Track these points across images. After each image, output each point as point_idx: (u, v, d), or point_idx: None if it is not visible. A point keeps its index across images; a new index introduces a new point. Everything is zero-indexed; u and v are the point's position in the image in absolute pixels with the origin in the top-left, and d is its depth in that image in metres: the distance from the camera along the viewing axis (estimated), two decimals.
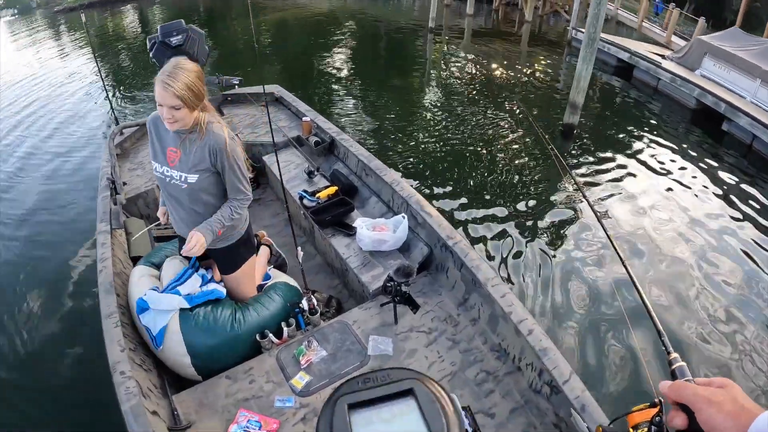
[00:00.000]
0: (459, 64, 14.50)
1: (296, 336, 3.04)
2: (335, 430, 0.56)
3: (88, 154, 9.18)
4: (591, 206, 1.82)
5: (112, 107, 6.24)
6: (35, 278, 5.80)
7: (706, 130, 9.54)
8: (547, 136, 2.24)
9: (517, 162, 7.80)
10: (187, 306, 2.93)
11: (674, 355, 0.94)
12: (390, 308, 3.03)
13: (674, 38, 14.65)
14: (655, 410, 0.95)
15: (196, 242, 2.56)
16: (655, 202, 6.86)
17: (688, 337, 4.54)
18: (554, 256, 5.54)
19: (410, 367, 2.73)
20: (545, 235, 5.97)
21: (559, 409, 2.39)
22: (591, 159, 8.12)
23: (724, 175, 7.87)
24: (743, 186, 7.57)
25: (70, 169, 8.72)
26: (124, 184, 4.69)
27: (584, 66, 8.35)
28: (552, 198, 6.64)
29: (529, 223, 6.18)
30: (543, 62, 14.36)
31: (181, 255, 3.04)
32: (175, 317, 2.89)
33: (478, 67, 13.90)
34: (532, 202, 6.59)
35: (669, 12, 14.59)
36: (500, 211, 6.40)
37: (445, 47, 16.73)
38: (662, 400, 0.90)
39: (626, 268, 1.35)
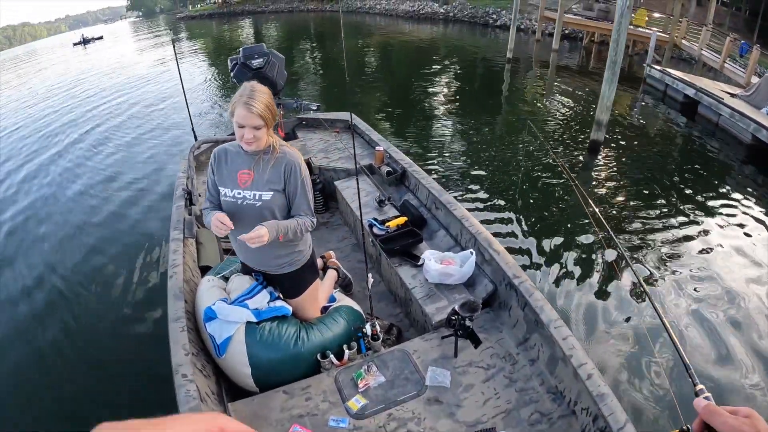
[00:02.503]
0: (536, 98, 14.83)
1: (356, 359, 3.07)
2: None
3: (165, 163, 9.75)
4: (631, 267, 1.80)
5: (191, 121, 6.46)
6: (107, 275, 6.13)
7: (760, 166, 9.25)
8: (592, 211, 2.19)
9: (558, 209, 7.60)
10: (254, 320, 3.00)
11: (700, 386, 1.00)
12: (451, 341, 3.02)
13: (755, 78, 14.23)
14: None
15: (258, 236, 2.56)
16: (694, 233, 6.65)
17: (715, 368, 4.36)
18: (580, 284, 5.50)
19: (465, 403, 2.72)
20: (574, 264, 5.87)
21: None
22: (637, 200, 7.93)
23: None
24: None
25: (148, 176, 9.28)
26: (199, 195, 4.88)
27: (607, 86, 8.97)
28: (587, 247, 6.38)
29: (558, 254, 6.10)
30: (617, 100, 14.37)
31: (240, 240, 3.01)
32: (241, 329, 2.96)
33: (554, 102, 14.09)
34: (565, 244, 6.41)
35: (752, 52, 14.25)
36: (535, 246, 6.30)
37: (529, 81, 17.16)
38: (689, 427, 0.92)
39: (659, 315, 1.34)
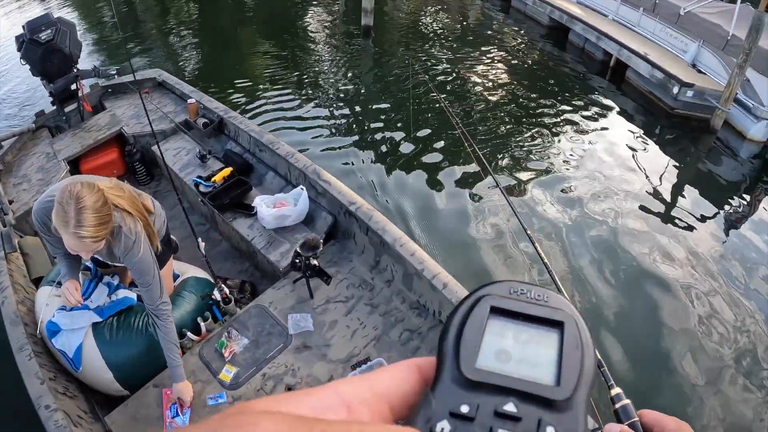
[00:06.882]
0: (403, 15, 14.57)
1: (215, 329, 3.03)
2: (468, 324, 0.55)
3: None
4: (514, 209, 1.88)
5: None
6: None
7: (554, 43, 11.09)
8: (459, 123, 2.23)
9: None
10: (99, 319, 2.85)
11: (616, 390, 0.86)
12: (303, 283, 3.07)
13: None
14: None
15: (189, 396, 2.53)
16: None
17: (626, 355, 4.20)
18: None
19: (333, 341, 2.81)
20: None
21: None
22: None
23: (564, 79, 9.29)
24: (580, 87, 8.93)
25: None
26: (11, 202, 4.43)
27: None
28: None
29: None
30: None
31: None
32: (88, 334, 2.82)
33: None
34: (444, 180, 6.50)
35: None
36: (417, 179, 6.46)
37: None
38: None
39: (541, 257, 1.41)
